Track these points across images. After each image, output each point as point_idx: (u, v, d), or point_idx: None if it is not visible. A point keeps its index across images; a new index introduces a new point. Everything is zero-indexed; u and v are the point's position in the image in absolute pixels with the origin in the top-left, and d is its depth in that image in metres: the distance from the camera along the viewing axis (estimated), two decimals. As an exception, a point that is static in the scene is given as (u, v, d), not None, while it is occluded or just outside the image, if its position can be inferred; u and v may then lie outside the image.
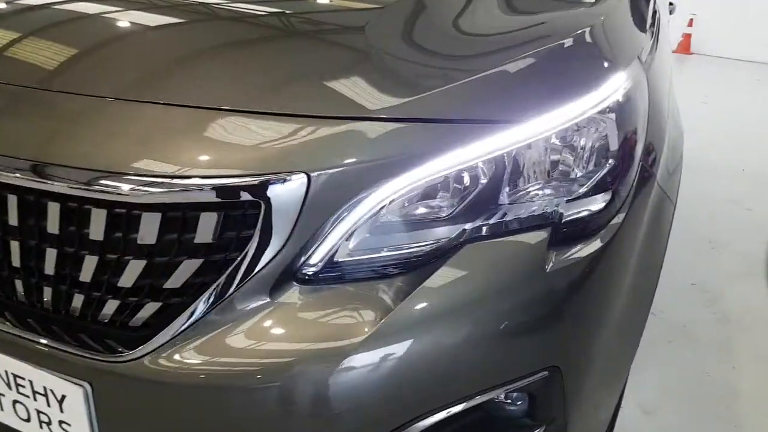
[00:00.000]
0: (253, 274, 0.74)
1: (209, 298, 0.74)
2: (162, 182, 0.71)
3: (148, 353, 0.75)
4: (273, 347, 0.73)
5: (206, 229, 0.73)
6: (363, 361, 0.73)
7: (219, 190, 0.72)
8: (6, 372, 0.82)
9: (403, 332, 0.75)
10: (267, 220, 0.73)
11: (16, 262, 0.79)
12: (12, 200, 0.77)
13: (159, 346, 0.75)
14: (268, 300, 0.75)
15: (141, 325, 0.77)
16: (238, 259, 0.74)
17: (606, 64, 0.93)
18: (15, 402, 0.84)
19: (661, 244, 1.03)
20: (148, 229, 0.73)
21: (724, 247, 2.82)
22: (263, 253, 0.74)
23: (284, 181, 0.72)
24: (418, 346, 0.75)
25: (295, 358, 0.73)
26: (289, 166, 0.72)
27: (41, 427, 0.84)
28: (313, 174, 0.72)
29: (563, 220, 0.83)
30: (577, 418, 0.90)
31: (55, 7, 1.15)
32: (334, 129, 0.76)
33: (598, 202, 0.87)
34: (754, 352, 2.02)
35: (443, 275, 0.77)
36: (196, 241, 0.73)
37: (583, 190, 0.86)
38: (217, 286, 0.74)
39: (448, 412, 0.78)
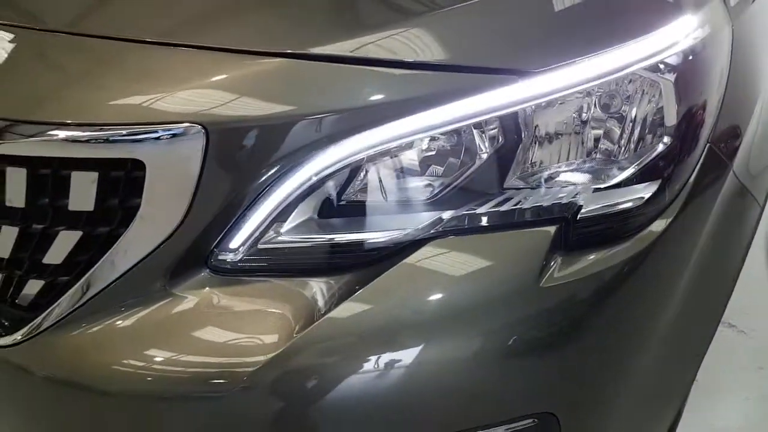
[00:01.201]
0: (145, 255, 0.58)
1: (89, 283, 0.59)
2: (24, 129, 0.56)
3: (29, 338, 0.61)
4: (154, 353, 0.57)
5: (82, 193, 0.57)
6: (265, 387, 0.55)
7: (89, 142, 0.55)
8: None
9: (329, 350, 0.56)
10: (154, 185, 0.56)
11: None
12: None
13: (41, 331, 0.61)
14: (166, 290, 0.59)
15: (26, 305, 0.63)
16: (125, 233, 0.57)
17: (668, 1, 0.67)
18: None
19: (734, 256, 0.77)
20: (15, 189, 0.58)
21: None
22: (155, 228, 0.57)
23: (172, 134, 0.54)
24: (345, 371, 0.56)
25: (182, 372, 0.56)
26: (179, 116, 0.54)
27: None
28: (212, 127, 0.54)
29: (580, 216, 0.61)
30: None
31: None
32: (253, 68, 0.57)
33: (635, 196, 0.63)
34: None
35: (396, 277, 0.58)
36: (72, 208, 0.57)
37: (617, 177, 0.63)
38: (101, 266, 0.58)
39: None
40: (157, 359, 0.57)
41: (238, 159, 0.56)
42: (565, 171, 0.63)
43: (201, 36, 0.60)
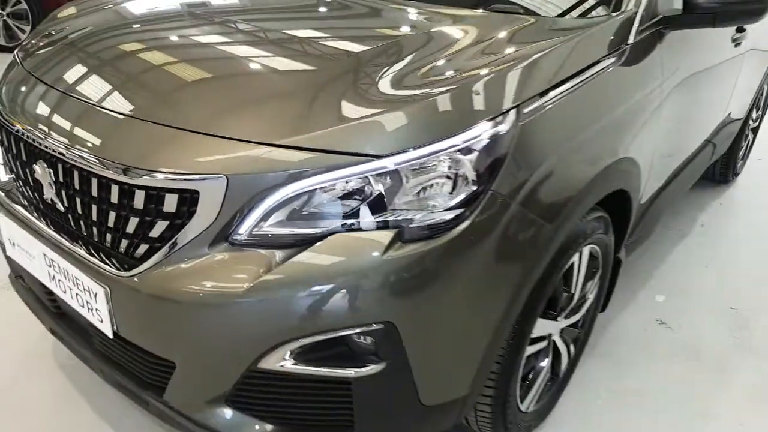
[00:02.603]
0: (196, 235, 1.21)
1: (172, 246, 1.23)
2: (142, 172, 1.21)
3: (140, 272, 1.26)
4: (200, 278, 1.20)
5: (169, 203, 1.21)
6: (253, 295, 1.17)
7: (176, 182, 1.19)
8: (74, 276, 1.38)
9: (281, 283, 1.17)
10: (203, 202, 1.19)
11: (62, 202, 1.36)
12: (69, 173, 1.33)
13: (146, 269, 1.25)
14: (207, 252, 1.22)
15: (139, 256, 1.28)
16: (188, 223, 1.21)
17: (469, 116, 1.26)
18: (77, 294, 1.40)
19: (516, 256, 1.33)
20: (141, 200, 1.23)
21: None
22: (202, 222, 1.20)
23: (213, 179, 1.18)
24: (289, 291, 1.17)
25: (212, 287, 1.19)
26: (215, 169, 1.18)
27: (89, 311, 1.38)
28: (229, 175, 1.17)
29: (411, 225, 1.20)
30: (422, 366, 1.27)
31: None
32: (247, 150, 1.20)
33: (446, 218, 1.22)
34: (753, 389, 2.13)
35: (316, 251, 1.19)
36: (164, 209, 1.22)
37: (440, 207, 1.22)
38: (176, 239, 1.22)
39: (305, 341, 1.20)
40: (203, 284, 1.20)
41: (242, 190, 1.19)
42: (410, 202, 1.22)
43: (218, 128, 1.24)
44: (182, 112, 1.32)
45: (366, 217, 1.21)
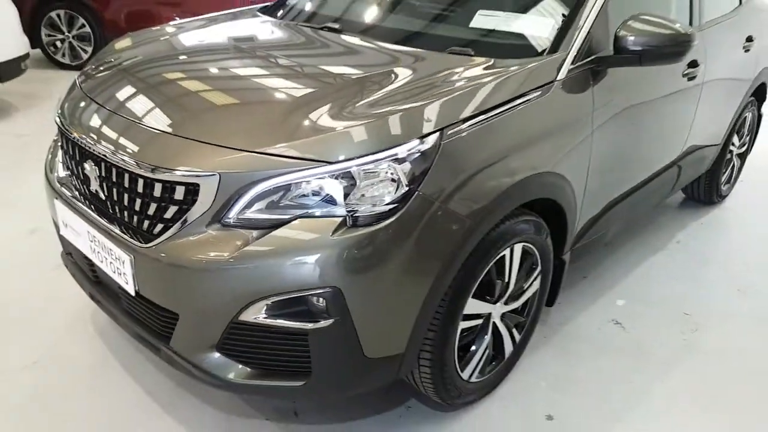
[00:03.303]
0: (197, 217, 1.64)
1: (180, 225, 1.66)
2: (164, 170, 1.65)
3: (158, 245, 1.69)
4: (199, 249, 1.63)
5: (180, 193, 1.65)
6: (234, 263, 1.59)
7: (185, 177, 1.63)
8: (108, 248, 1.83)
9: (255, 254, 1.59)
10: (202, 192, 1.62)
11: (105, 193, 1.81)
12: (107, 170, 1.79)
13: (161, 242, 1.69)
14: (204, 230, 1.65)
15: (156, 232, 1.71)
16: (192, 208, 1.65)
17: (404, 135, 1.66)
18: (110, 262, 1.84)
19: (438, 241, 1.71)
20: (156, 190, 1.67)
21: (749, 289, 3.10)
22: (202, 207, 1.63)
23: (209, 176, 1.61)
24: (260, 261, 1.59)
25: (206, 255, 1.62)
26: (210, 168, 1.61)
27: (119, 275, 1.83)
28: (223, 175, 1.60)
29: (356, 215, 1.61)
30: (363, 324, 1.66)
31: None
32: (235, 155, 1.63)
33: (383, 209, 1.62)
34: (697, 389, 2.40)
35: (282, 231, 1.60)
36: (176, 197, 1.66)
37: (382, 201, 1.63)
38: (184, 219, 1.66)
39: (275, 299, 1.61)
40: (200, 253, 1.62)
41: (231, 183, 1.61)
42: (361, 197, 1.63)
43: (216, 139, 1.68)
44: (193, 128, 1.76)
45: (325, 208, 1.62)
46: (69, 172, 2.05)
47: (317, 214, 1.62)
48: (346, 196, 1.62)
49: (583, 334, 2.66)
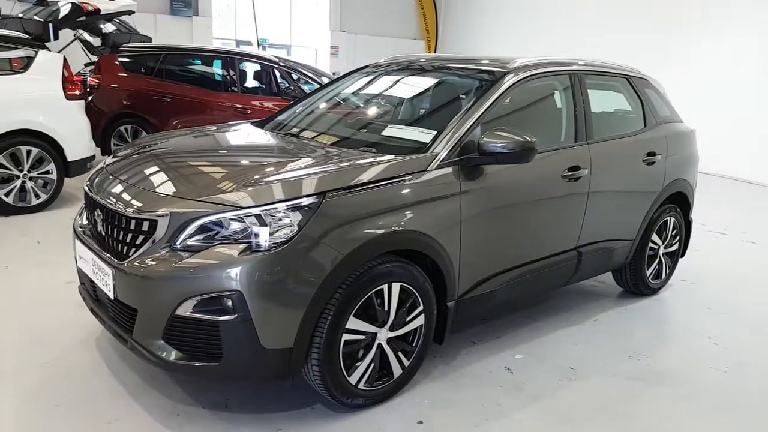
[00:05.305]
0: (156, 242, 2.50)
1: (142, 249, 2.52)
2: (136, 212, 2.55)
3: (128, 261, 2.55)
4: (152, 264, 2.47)
5: (142, 227, 2.53)
6: (172, 273, 2.42)
7: (148, 217, 2.52)
8: (102, 267, 2.69)
9: (185, 267, 2.41)
10: (159, 227, 2.49)
11: (103, 229, 2.70)
12: (105, 213, 2.69)
13: (131, 260, 2.54)
14: (159, 252, 2.50)
15: (129, 254, 2.57)
16: (152, 237, 2.51)
17: (297, 193, 2.51)
18: (102, 277, 2.70)
19: (315, 267, 2.48)
20: (131, 225, 2.56)
21: (641, 355, 3.69)
22: (159, 237, 2.49)
23: (161, 216, 2.48)
24: (188, 272, 2.41)
25: (156, 267, 2.45)
26: (162, 212, 2.49)
27: (106, 286, 2.67)
28: (172, 214, 2.48)
29: (260, 243, 2.43)
30: (259, 320, 2.42)
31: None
32: (181, 202, 2.51)
33: (284, 236, 2.44)
34: (536, 411, 3.05)
35: (205, 252, 2.44)
36: (143, 229, 2.54)
37: (279, 231, 2.45)
38: (144, 245, 2.52)
39: (198, 298, 2.41)
40: (154, 267, 2.45)
41: (177, 221, 2.48)
42: (269, 232, 2.46)
43: (171, 191, 2.59)
44: (160, 187, 2.68)
45: (239, 237, 2.45)
46: (86, 221, 2.98)
47: (234, 241, 2.45)
48: (254, 231, 2.45)
49: (474, 373, 3.29)
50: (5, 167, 5.72)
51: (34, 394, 2.87)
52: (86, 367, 3.12)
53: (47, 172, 5.96)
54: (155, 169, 2.93)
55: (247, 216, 2.45)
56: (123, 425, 2.66)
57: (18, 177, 5.81)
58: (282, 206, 2.47)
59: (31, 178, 5.88)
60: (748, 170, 10.94)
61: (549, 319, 4.12)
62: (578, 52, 12.12)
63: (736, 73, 11.15)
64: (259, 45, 16.09)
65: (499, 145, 2.94)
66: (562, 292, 4.60)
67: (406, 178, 2.81)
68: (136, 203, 2.62)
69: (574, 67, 3.89)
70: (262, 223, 2.45)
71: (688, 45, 11.91)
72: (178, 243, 2.48)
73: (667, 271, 4.80)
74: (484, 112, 3.18)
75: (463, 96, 3.49)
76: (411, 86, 3.96)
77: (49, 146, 5.89)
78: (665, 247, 4.68)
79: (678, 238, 4.79)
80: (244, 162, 2.89)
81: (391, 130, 3.25)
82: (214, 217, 2.46)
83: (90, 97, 7.73)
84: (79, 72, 9.01)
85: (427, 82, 3.94)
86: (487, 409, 2.96)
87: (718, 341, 4.00)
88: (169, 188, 2.66)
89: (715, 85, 11.40)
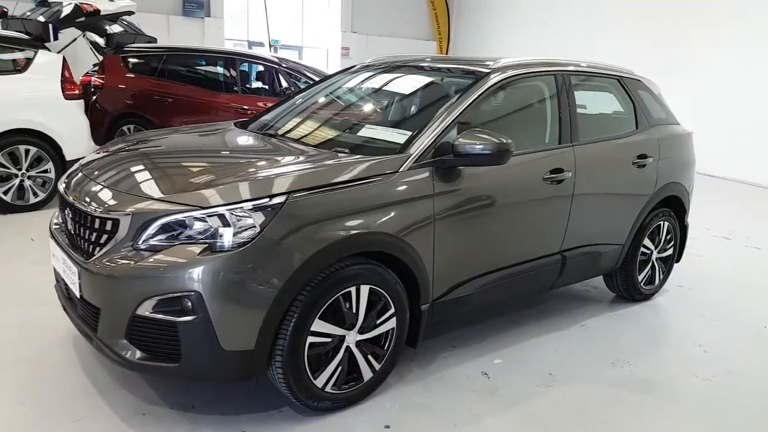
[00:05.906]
0: (119, 241, 2.49)
1: (107, 247, 2.52)
2: (100, 211, 2.54)
3: (92, 260, 2.54)
4: (114, 263, 2.46)
5: (109, 226, 2.52)
6: (133, 272, 2.41)
7: (110, 216, 2.51)
8: (69, 265, 2.69)
9: (145, 266, 2.41)
10: (122, 226, 2.48)
11: (72, 228, 2.70)
12: (74, 212, 2.69)
13: (95, 259, 2.54)
14: (122, 251, 2.49)
15: (93, 252, 2.57)
16: (115, 236, 2.50)
17: (260, 193, 2.49)
18: (70, 275, 2.70)
19: (276, 268, 2.46)
20: (96, 224, 2.56)
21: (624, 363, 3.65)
22: (121, 236, 2.49)
23: (123, 215, 2.48)
24: (149, 271, 2.40)
25: (117, 266, 2.45)
26: (124, 211, 2.48)
27: (73, 284, 2.67)
28: (134, 213, 2.47)
29: (222, 243, 2.41)
30: (219, 321, 2.41)
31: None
32: (144, 201, 2.50)
33: (249, 236, 2.42)
34: (510, 416, 3.03)
35: (166, 251, 2.42)
36: (106, 228, 2.53)
37: (244, 229, 2.43)
38: (109, 244, 2.51)
39: (158, 298, 2.39)
40: (116, 266, 2.45)
41: (139, 220, 2.46)
42: (232, 232, 2.45)
43: (134, 191, 2.59)
44: (125, 186, 2.68)
45: (201, 237, 2.44)
46: (60, 219, 2.99)
47: (195, 241, 2.44)
48: (216, 230, 2.44)
49: (450, 377, 3.25)
50: (4, 166, 5.79)
51: (8, 392, 2.88)
52: (63, 364, 3.13)
53: (45, 171, 6.01)
54: (125, 168, 2.92)
55: (209, 216, 2.44)
56: (88, 424, 2.66)
57: (17, 176, 5.87)
58: (245, 206, 2.45)
59: (29, 177, 5.94)
60: (766, 174, 10.73)
61: (534, 323, 4.06)
62: (594, 52, 12.00)
63: (754, 76, 10.96)
64: (270, 46, 16.14)
65: (473, 146, 2.90)
66: (551, 296, 4.54)
67: (377, 179, 2.77)
68: (100, 202, 2.62)
69: (561, 68, 3.83)
70: (225, 224, 2.43)
71: (708, 45, 11.71)
72: (140, 242, 2.47)
73: (661, 277, 4.71)
74: (461, 113, 3.14)
75: (444, 97, 3.44)
76: (395, 87, 3.93)
77: (48, 145, 5.95)
78: (659, 252, 4.59)
79: (672, 242, 4.70)
80: (214, 162, 2.89)
81: (367, 131, 3.23)
82: (175, 217, 2.45)
83: (94, 97, 7.80)
84: (87, 72, 9.09)
85: (411, 82, 3.90)
86: (458, 414, 2.92)
87: (708, 349, 3.91)
88: (134, 188, 2.65)
89: (733, 88, 11.21)
